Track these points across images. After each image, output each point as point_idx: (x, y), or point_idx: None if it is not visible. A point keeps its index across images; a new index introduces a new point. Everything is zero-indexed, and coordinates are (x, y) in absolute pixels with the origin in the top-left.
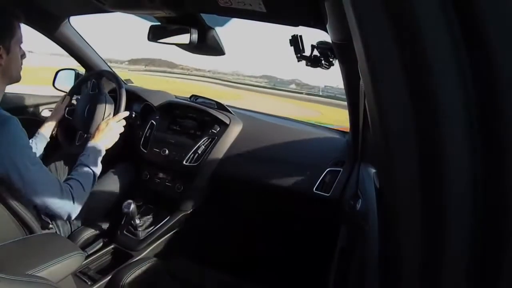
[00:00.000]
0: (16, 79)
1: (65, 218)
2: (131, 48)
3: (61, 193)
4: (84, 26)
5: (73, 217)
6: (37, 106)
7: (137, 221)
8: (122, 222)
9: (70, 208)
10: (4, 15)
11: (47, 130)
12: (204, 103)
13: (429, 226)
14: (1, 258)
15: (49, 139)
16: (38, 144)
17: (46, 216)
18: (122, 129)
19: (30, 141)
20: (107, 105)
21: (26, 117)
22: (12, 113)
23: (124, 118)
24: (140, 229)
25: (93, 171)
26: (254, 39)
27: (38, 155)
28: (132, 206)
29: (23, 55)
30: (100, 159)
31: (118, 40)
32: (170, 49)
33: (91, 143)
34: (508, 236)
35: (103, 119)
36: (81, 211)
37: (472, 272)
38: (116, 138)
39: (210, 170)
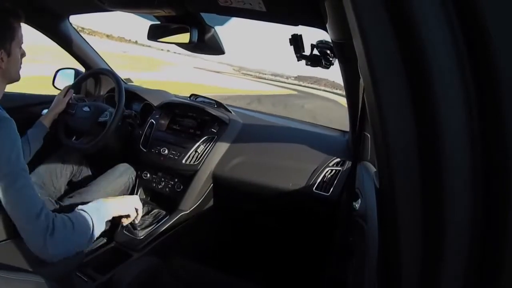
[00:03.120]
0: (15, 79)
1: (34, 252)
2: (300, 65)
3: (37, 218)
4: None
5: (43, 257)
6: (37, 105)
7: (137, 221)
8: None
9: (40, 242)
10: (5, 17)
11: (47, 120)
12: (203, 102)
13: (429, 226)
14: (0, 257)
15: (49, 129)
16: (38, 134)
17: None
18: (134, 212)
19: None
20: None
21: (26, 116)
22: (11, 113)
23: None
24: (139, 228)
25: (92, 225)
26: None
27: (36, 146)
28: None
29: (22, 54)
30: (105, 220)
31: (288, 56)
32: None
33: (104, 201)
34: (508, 235)
35: (99, 120)
36: None
37: (471, 273)
38: (129, 210)
39: (210, 170)
